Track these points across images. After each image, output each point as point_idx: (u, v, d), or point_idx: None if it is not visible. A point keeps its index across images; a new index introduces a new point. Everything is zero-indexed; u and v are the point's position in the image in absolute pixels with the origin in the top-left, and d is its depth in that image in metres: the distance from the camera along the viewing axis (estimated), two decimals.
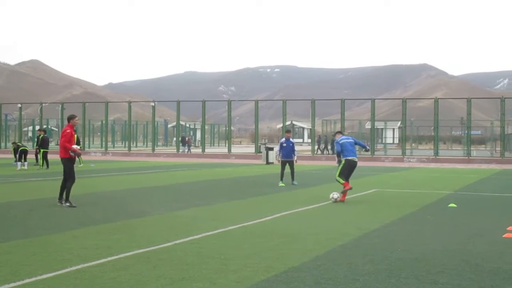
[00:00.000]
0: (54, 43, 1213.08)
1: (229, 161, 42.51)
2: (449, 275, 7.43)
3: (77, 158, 17.72)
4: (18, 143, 31.43)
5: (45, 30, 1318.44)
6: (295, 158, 21.57)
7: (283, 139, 21.78)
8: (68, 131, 14.41)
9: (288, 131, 22.53)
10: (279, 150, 21.65)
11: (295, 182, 21.05)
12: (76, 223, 11.47)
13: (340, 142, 16.43)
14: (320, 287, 6.81)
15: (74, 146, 14.50)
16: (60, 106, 58.00)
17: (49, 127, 69.67)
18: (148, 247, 8.99)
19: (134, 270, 7.50)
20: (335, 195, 15.72)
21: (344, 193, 15.86)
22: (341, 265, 7.92)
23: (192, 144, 58.99)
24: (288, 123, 65.38)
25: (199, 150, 53.14)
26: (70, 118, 14.86)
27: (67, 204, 14.10)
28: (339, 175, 16.17)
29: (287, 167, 21.32)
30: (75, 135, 16.92)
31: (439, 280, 7.18)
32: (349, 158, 16.25)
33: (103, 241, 9.49)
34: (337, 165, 16.68)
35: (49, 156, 30.57)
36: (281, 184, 20.86)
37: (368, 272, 7.57)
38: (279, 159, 21.63)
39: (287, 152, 21.35)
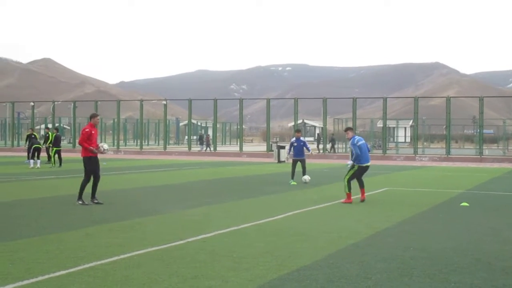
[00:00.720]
0: (66, 41, 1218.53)
1: (241, 160, 42.53)
2: (461, 274, 7.42)
3: None
4: (34, 133, 31.42)
5: (57, 29, 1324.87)
6: (311, 152, 22.13)
7: (294, 139, 22.20)
8: (87, 130, 14.48)
9: (298, 131, 22.86)
10: (290, 149, 22.21)
11: (305, 177, 21.22)
12: (88, 221, 11.53)
13: (358, 145, 15.36)
14: (332, 285, 6.82)
15: (101, 145, 14.72)
16: (72, 104, 58.28)
17: (61, 125, 69.94)
18: (160, 245, 9.03)
19: (146, 268, 7.54)
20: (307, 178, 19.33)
21: (349, 197, 15.16)
22: (353, 264, 7.93)
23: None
24: (299, 121, 65.23)
25: (211, 149, 53.30)
26: (91, 117, 15.02)
27: (80, 202, 14.17)
28: (348, 180, 15.23)
29: (299, 165, 21.58)
30: None
31: (451, 279, 7.17)
32: (364, 165, 15.39)
33: (116, 239, 9.54)
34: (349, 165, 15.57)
35: (63, 154, 30.68)
36: (292, 182, 20.99)
37: (380, 270, 7.57)
38: (290, 157, 22.05)
39: (298, 151, 21.75)
